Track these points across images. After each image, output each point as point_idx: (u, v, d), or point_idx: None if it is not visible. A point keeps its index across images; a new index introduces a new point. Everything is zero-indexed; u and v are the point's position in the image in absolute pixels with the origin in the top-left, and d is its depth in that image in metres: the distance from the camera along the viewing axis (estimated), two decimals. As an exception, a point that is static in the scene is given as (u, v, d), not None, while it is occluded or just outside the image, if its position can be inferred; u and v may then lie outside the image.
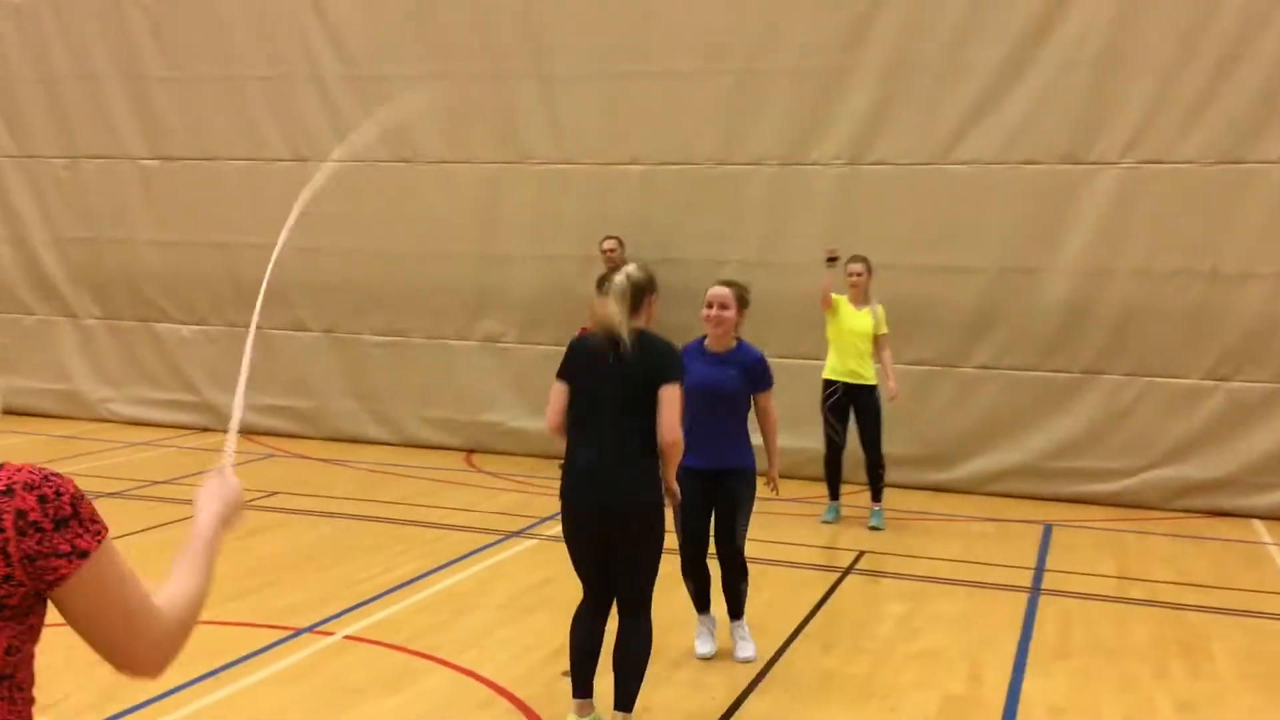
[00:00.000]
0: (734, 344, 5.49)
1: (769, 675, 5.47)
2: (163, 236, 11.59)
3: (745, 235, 9.80)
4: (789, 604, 6.55)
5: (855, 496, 8.66)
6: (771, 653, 5.74)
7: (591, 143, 10.21)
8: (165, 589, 1.82)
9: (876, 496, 8.38)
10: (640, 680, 4.63)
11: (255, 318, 2.50)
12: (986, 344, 9.43)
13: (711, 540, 5.61)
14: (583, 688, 4.70)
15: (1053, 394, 9.32)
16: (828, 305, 8.21)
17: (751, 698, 5.21)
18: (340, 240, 10.78)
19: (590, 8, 10.09)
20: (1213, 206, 8.85)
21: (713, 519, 5.55)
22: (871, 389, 8.27)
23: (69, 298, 12.02)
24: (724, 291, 5.41)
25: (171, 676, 1.82)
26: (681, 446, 4.53)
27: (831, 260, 8.17)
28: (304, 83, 10.92)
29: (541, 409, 5.23)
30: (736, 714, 5.04)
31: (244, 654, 5.43)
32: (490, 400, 10.73)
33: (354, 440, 11.08)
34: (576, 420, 4.58)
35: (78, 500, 1.68)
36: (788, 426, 9.30)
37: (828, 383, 8.35)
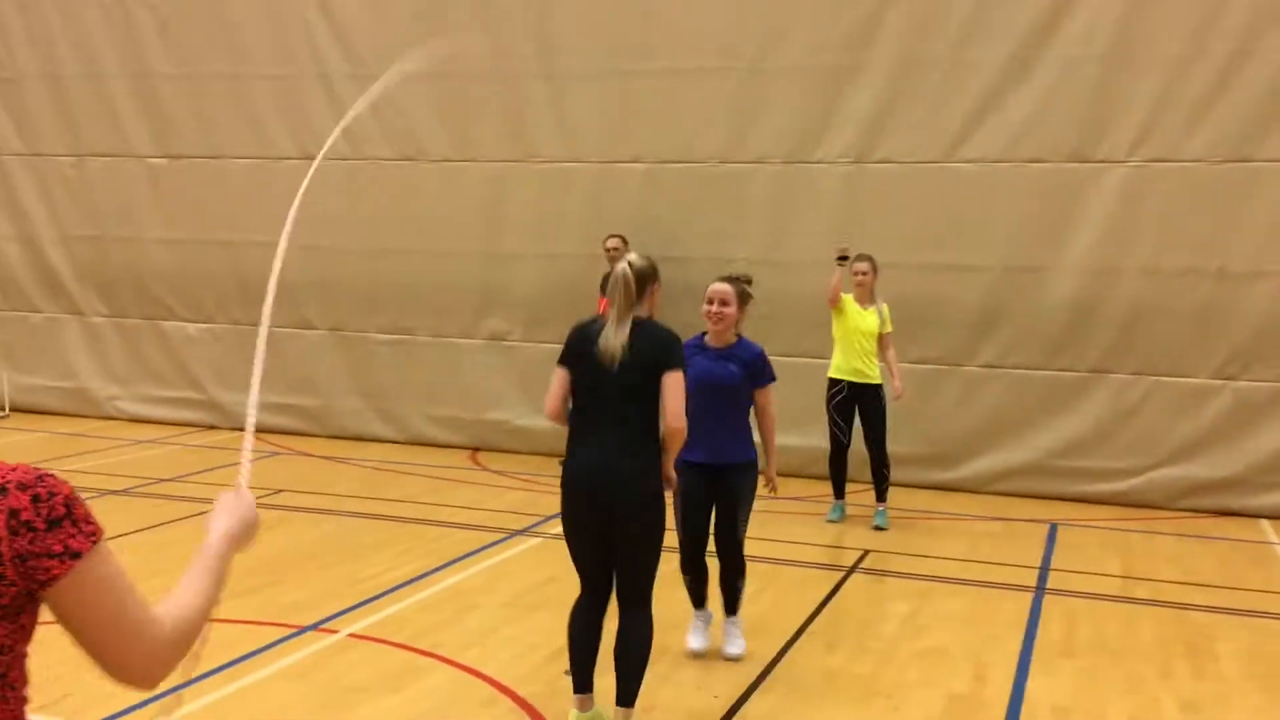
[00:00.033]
0: (734, 340, 5.50)
1: (772, 674, 5.47)
2: (169, 235, 11.61)
3: (750, 233, 9.78)
4: (793, 603, 6.54)
5: (860, 495, 8.64)
6: (775, 652, 5.73)
7: (596, 141, 10.21)
8: (167, 600, 1.79)
9: (881, 496, 8.36)
10: (642, 675, 4.63)
11: (263, 331, 2.46)
12: (992, 343, 9.41)
13: (711, 536, 5.61)
14: (583, 683, 4.70)
15: (1059, 393, 9.30)
16: (835, 304, 8.18)
17: (754, 697, 5.20)
18: (346, 239, 10.80)
19: (595, 6, 10.08)
20: (1221, 205, 8.82)
21: (713, 514, 5.55)
22: (877, 388, 8.26)
23: (76, 296, 12.04)
24: (725, 288, 5.41)
25: (173, 675, 1.80)
26: (686, 433, 4.53)
27: (842, 259, 8.13)
28: (311, 82, 10.93)
29: (547, 408, 5.22)
30: (739, 713, 5.03)
31: (247, 652, 5.43)
32: (496, 398, 10.73)
33: (359, 438, 11.09)
34: (578, 408, 4.58)
35: (72, 501, 1.67)
36: (793, 425, 9.36)
37: (833, 381, 8.33)
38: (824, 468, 8.61)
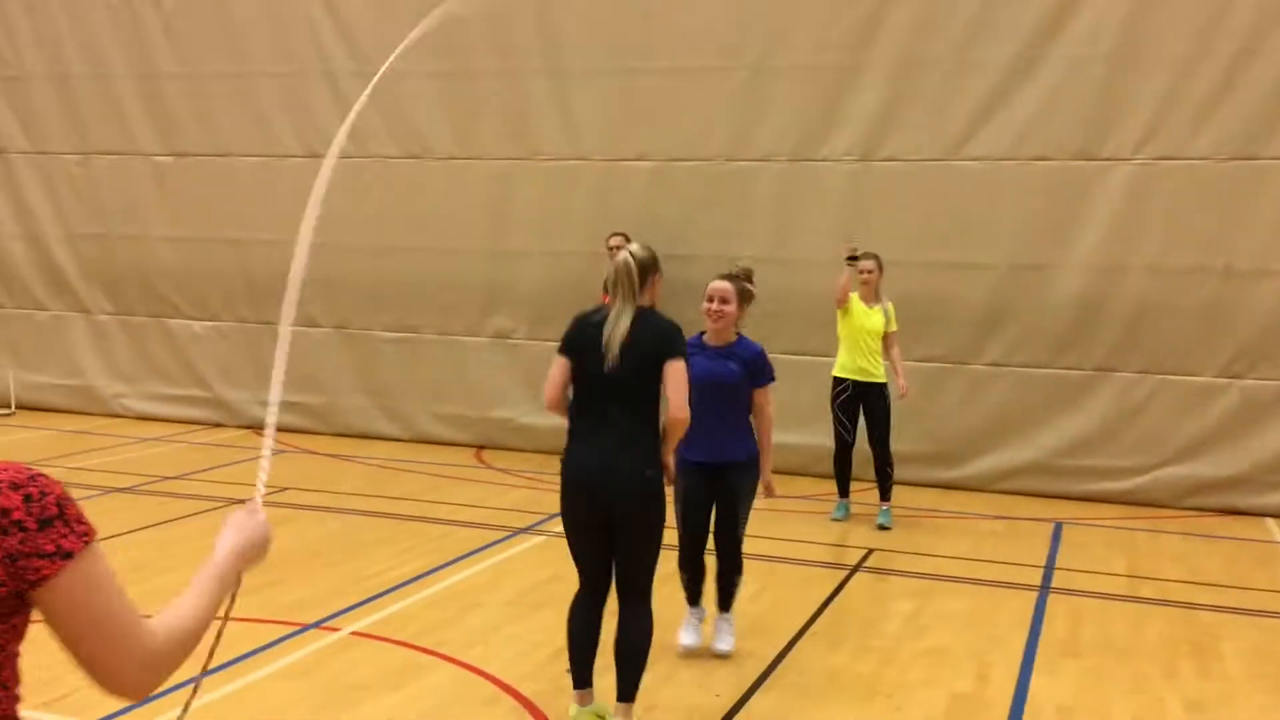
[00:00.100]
0: (734, 338, 5.48)
1: (775, 673, 5.46)
2: (175, 233, 11.62)
3: (755, 231, 9.77)
4: (796, 602, 6.53)
5: (865, 494, 8.62)
6: (778, 651, 5.72)
7: (601, 139, 10.20)
8: (163, 611, 1.78)
9: (885, 495, 8.33)
10: (642, 670, 4.62)
11: (280, 362, 2.45)
12: (997, 341, 9.39)
13: (710, 534, 5.60)
14: (582, 678, 4.70)
15: (1064, 391, 9.27)
16: (843, 303, 8.14)
17: (756, 696, 5.19)
18: (351, 236, 10.79)
19: (600, 5, 10.07)
20: (1227, 203, 8.79)
21: (713, 512, 5.54)
22: (881, 387, 8.24)
23: (82, 293, 12.06)
24: (725, 286, 5.40)
25: (175, 673, 1.79)
26: (688, 423, 4.53)
27: (852, 259, 8.09)
28: (316, 79, 10.94)
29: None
30: (741, 712, 5.02)
31: (249, 650, 5.43)
32: (501, 396, 10.73)
33: (364, 436, 11.10)
34: (578, 400, 4.58)
35: (64, 501, 1.67)
36: (798, 423, 9.36)
37: (837, 380, 8.31)
38: (829, 466, 8.59)
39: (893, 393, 8.26)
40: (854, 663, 5.62)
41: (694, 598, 5.73)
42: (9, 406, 12.07)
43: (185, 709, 2.16)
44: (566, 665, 4.84)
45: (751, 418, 5.53)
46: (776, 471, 9.58)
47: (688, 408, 4.48)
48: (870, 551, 7.69)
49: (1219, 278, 8.84)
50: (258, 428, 11.28)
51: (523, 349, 10.62)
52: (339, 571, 6.85)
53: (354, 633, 5.82)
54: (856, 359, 8.22)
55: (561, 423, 4.74)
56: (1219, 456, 8.95)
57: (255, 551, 2.01)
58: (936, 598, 6.72)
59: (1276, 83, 8.60)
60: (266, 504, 2.16)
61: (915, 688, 5.31)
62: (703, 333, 5.47)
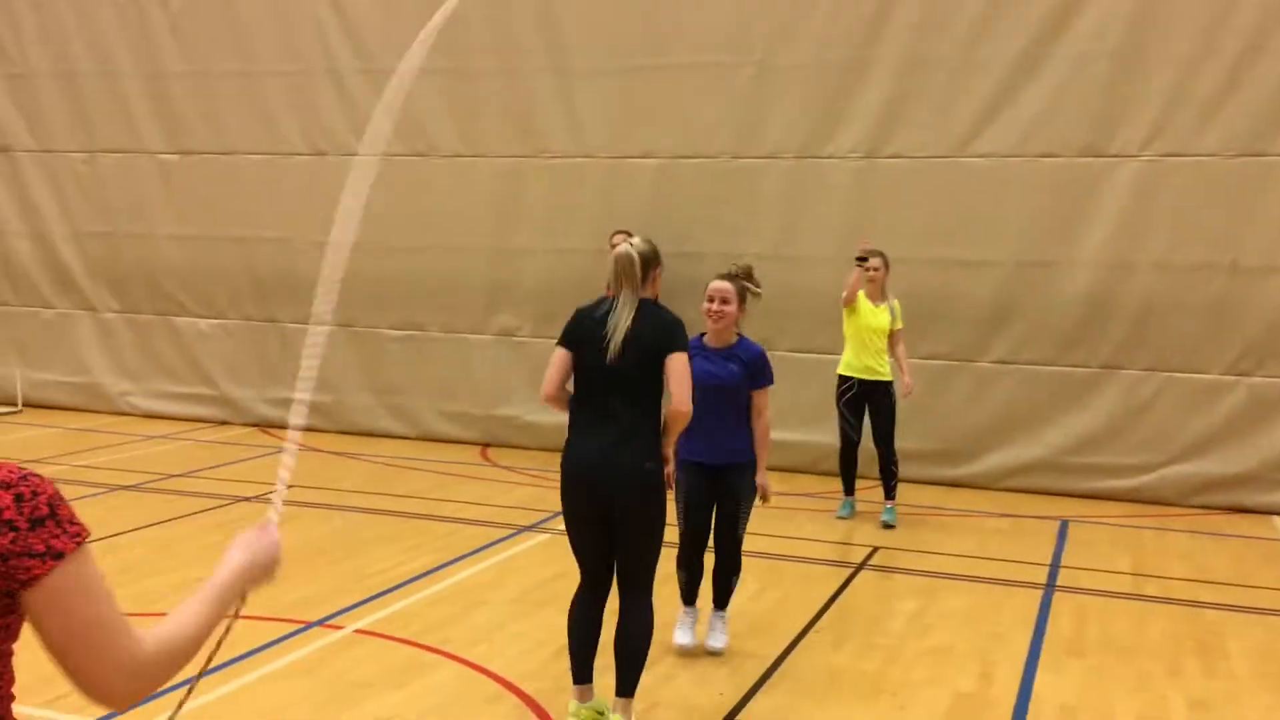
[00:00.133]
0: (735, 340, 5.46)
1: (778, 672, 5.45)
2: (181, 231, 11.64)
3: (761, 229, 9.75)
4: (800, 600, 6.52)
5: (871, 492, 8.60)
6: (781, 649, 5.71)
7: (607, 137, 10.19)
8: (157, 623, 1.75)
9: (889, 494, 8.30)
10: (641, 666, 4.62)
11: (310, 369, 2.42)
12: (1004, 338, 9.36)
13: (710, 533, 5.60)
14: (582, 674, 4.70)
15: (1071, 389, 9.24)
16: (850, 303, 8.11)
17: (759, 694, 5.18)
18: (356, 234, 10.78)
19: (606, 1, 10.05)
20: (1234, 199, 8.76)
21: (714, 512, 5.54)
22: (887, 385, 8.21)
23: (88, 291, 12.09)
24: (725, 286, 5.37)
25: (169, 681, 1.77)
26: (690, 416, 4.51)
27: (862, 259, 8.05)
28: (321, 78, 10.95)
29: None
30: (744, 710, 5.01)
31: (252, 648, 5.43)
32: (506, 394, 10.73)
33: (370, 434, 11.11)
34: (578, 394, 4.57)
35: (56, 502, 1.65)
36: (804, 421, 9.36)
37: (843, 378, 8.28)
38: (834, 464, 8.57)
39: (898, 391, 8.24)
40: (857, 661, 5.61)
41: (689, 598, 5.71)
42: (16, 404, 12.10)
43: (179, 708, 2.15)
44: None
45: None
46: (783, 469, 9.63)
47: (690, 401, 4.47)
48: (875, 549, 7.67)
49: (1226, 274, 8.81)
50: (263, 425, 11.30)
51: (528, 346, 10.61)
52: (343, 569, 6.85)
53: (357, 630, 5.83)
54: (862, 357, 8.19)
55: (566, 420, 4.74)
56: (1226, 454, 8.92)
57: (261, 572, 1.98)
58: (941, 596, 6.70)
59: (1284, 79, 8.58)
60: (269, 502, 2.15)
61: (919, 686, 5.30)
62: (703, 334, 5.45)
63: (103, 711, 4.56)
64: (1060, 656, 5.72)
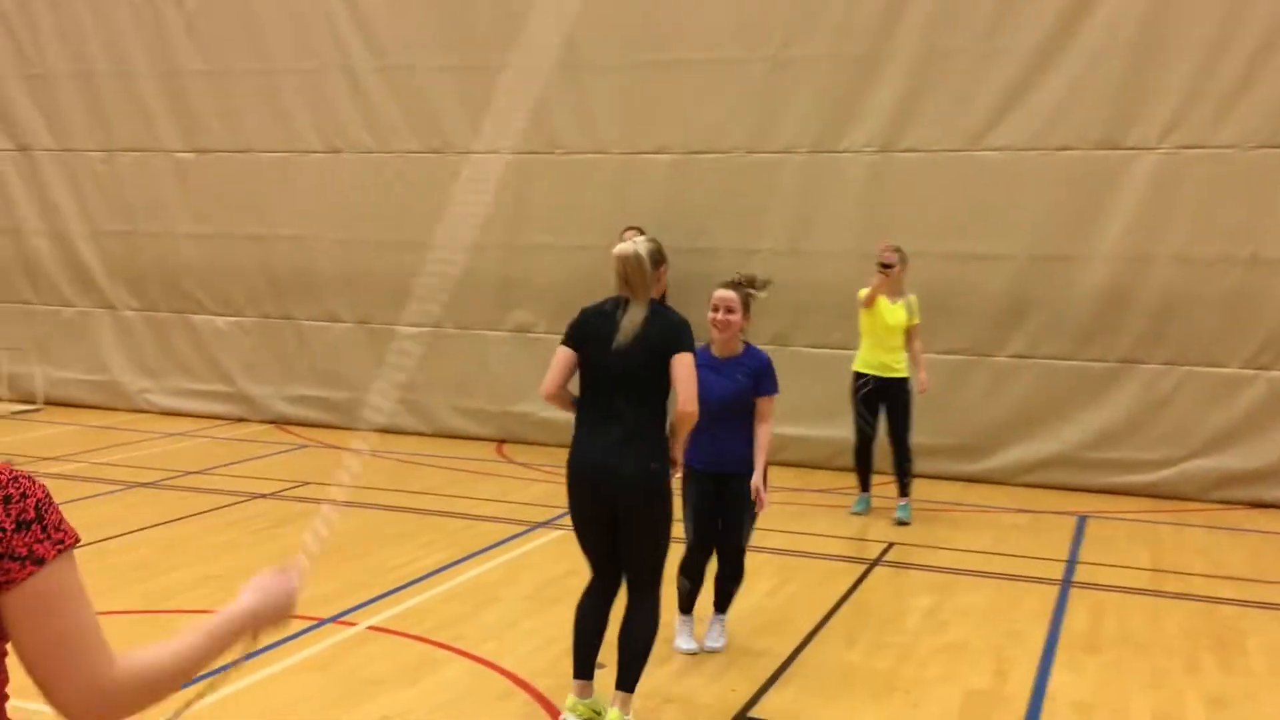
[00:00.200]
0: (741, 349, 5.42)
1: (790, 668, 5.43)
2: (198, 229, 11.70)
3: (776, 224, 9.73)
4: (815, 596, 6.50)
5: (887, 488, 8.56)
6: (794, 646, 5.69)
7: (620, 132, 10.17)
8: (138, 648, 1.68)
9: (904, 491, 8.25)
10: (642, 662, 4.61)
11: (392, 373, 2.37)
12: (1021, 333, 9.31)
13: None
14: (583, 669, 4.69)
15: (1089, 383, 9.18)
16: (869, 306, 8.05)
17: (772, 691, 5.17)
18: (372, 231, 10.84)
19: (618, -3, 10.04)
20: (1254, 192, 8.68)
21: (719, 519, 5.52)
22: (902, 382, 8.17)
23: (106, 290, 12.16)
24: (729, 295, 5.34)
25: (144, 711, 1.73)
26: (697, 417, 4.49)
27: (887, 266, 7.95)
28: (335, 75, 10.98)
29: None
30: (756, 707, 5.00)
31: (265, 644, 5.44)
32: (522, 390, 10.71)
33: (387, 431, 11.11)
34: (584, 393, 4.56)
35: (44, 506, 1.63)
36: (820, 417, 9.32)
37: (858, 374, 8.23)
38: (850, 460, 8.54)
39: (913, 387, 8.19)
40: (871, 658, 5.59)
41: (687, 606, 5.69)
42: (36, 402, 12.18)
43: (186, 707, 2.14)
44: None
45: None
46: (798, 464, 9.58)
47: (696, 401, 4.45)
48: (890, 545, 7.64)
49: (1245, 267, 8.73)
50: (280, 422, 11.34)
51: (543, 343, 10.56)
52: (357, 566, 6.86)
53: (371, 627, 5.84)
54: (878, 354, 8.14)
55: (554, 406, 4.73)
56: (1246, 449, 8.85)
57: (273, 615, 1.90)
58: (956, 592, 6.66)
59: (1304, 70, 8.48)
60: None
61: (933, 684, 5.27)
62: (708, 344, 5.41)
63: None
64: (1076, 653, 5.68)
